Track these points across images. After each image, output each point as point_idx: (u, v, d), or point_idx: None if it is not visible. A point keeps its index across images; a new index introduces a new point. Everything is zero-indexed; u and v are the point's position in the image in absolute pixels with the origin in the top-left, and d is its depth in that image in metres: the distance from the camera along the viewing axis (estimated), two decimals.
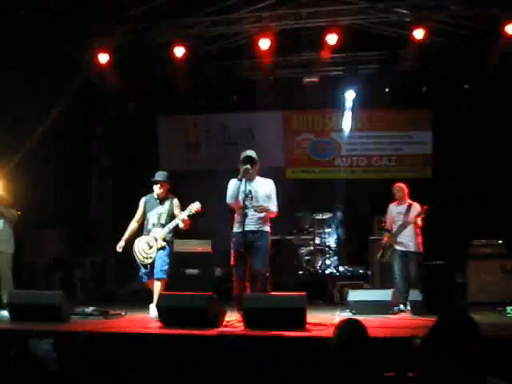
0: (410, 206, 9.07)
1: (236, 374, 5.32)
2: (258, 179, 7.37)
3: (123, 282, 11.92)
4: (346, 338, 3.62)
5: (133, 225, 8.41)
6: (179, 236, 8.87)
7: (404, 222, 8.99)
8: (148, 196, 8.36)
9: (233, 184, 7.23)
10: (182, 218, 7.94)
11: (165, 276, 7.98)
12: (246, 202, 7.02)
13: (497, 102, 12.12)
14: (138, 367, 5.56)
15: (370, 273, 11.44)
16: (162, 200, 8.19)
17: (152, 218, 8.16)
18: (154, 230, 8.07)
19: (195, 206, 7.93)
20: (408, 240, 8.99)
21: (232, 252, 7.23)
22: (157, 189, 8.17)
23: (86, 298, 10.67)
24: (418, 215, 8.91)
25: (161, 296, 6.91)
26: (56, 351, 5.63)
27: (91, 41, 11.18)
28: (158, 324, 6.80)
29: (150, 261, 8.00)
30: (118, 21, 11.11)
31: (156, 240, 7.98)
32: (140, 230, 8.38)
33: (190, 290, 7.81)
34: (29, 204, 9.63)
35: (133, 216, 8.50)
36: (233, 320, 6.94)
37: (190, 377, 5.43)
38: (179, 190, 9.36)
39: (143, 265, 8.09)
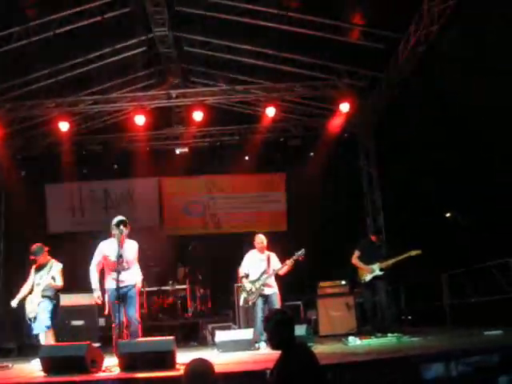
0: (269, 256, 8.66)
1: None
2: (127, 242, 7.21)
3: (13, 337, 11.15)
4: (192, 375, 3.54)
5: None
6: (66, 291, 8.59)
7: (267, 270, 8.52)
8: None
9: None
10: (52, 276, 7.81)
11: (47, 328, 7.67)
12: (119, 263, 6.88)
13: (336, 168, 12.66)
14: None
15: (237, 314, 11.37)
16: (43, 265, 8.00)
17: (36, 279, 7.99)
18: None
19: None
20: (271, 285, 8.53)
21: (107, 304, 6.99)
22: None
23: None
24: (286, 267, 8.45)
25: (42, 348, 6.45)
26: None
27: None
28: (42, 374, 6.33)
29: (33, 315, 7.73)
30: (5, 99, 10.77)
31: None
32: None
33: (77, 340, 7.66)
34: None
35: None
36: (111, 365, 6.60)
37: None
38: (67, 249, 9.08)
39: (29, 318, 7.79)
